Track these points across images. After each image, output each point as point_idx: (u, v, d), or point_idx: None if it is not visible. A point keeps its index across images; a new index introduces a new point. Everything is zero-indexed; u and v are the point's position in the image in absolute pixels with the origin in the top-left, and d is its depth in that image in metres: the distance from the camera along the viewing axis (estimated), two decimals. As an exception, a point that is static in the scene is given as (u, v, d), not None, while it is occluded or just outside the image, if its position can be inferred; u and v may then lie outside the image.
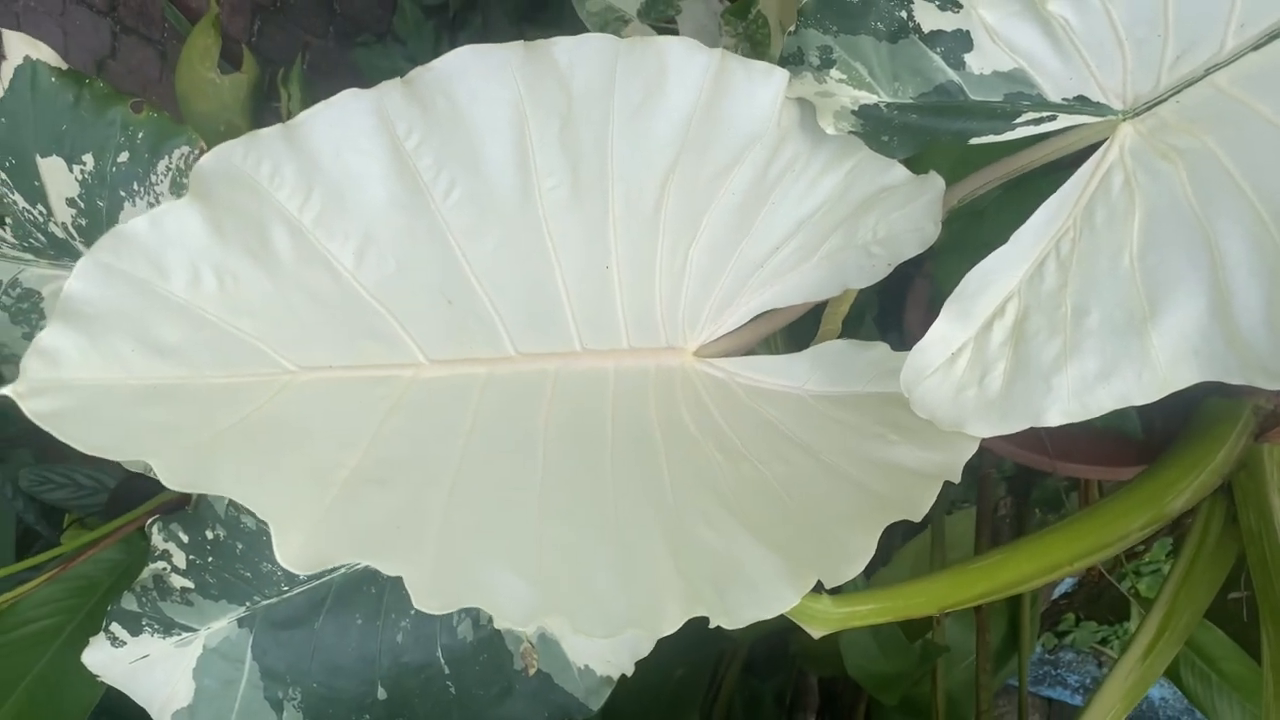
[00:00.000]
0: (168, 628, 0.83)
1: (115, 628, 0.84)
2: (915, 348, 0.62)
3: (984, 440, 0.65)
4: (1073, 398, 0.59)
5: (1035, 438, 0.99)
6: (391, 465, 0.55)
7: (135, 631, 0.84)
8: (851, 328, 1.06)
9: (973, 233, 1.03)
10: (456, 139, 0.57)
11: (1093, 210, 0.61)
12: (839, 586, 0.61)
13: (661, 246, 0.64)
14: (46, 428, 0.47)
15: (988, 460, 1.34)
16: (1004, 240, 0.64)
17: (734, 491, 0.63)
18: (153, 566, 0.85)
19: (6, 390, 0.47)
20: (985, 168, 0.75)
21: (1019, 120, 0.62)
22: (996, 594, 0.81)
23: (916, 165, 0.71)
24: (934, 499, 0.65)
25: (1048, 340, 0.60)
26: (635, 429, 0.63)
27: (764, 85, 0.61)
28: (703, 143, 0.62)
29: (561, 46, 0.57)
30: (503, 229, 0.60)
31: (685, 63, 0.59)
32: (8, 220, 0.81)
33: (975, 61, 0.61)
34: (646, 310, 0.66)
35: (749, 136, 0.63)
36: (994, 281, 0.62)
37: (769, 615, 0.57)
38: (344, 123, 0.55)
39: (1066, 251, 0.61)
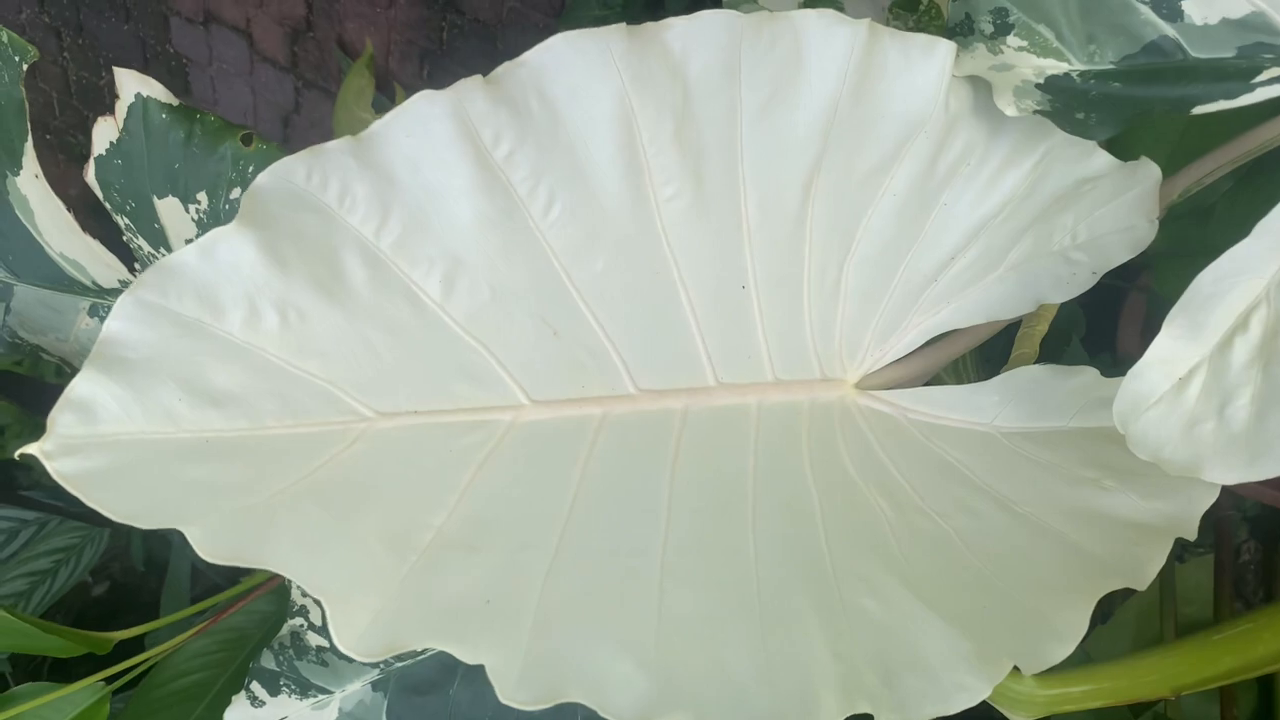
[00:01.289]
0: (304, 688, 0.79)
1: (255, 686, 0.80)
2: (1131, 372, 0.50)
3: (1226, 484, 0.51)
4: (1350, 432, 0.46)
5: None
6: (483, 526, 0.48)
7: (274, 691, 0.80)
8: (1053, 351, 0.92)
9: (1198, 234, 0.87)
10: (554, 145, 0.50)
11: (1367, 190, 0.48)
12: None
13: (809, 261, 0.55)
14: (73, 490, 0.42)
15: (1226, 500, 1.15)
16: (1232, 244, 0.51)
17: (906, 552, 0.52)
18: (291, 623, 0.81)
19: (31, 449, 0.42)
20: (1213, 151, 0.61)
21: (1258, 80, 0.49)
22: (1247, 672, 0.66)
23: (1123, 151, 0.58)
24: (1162, 560, 0.52)
25: (1311, 358, 0.47)
26: (783, 476, 0.53)
27: (924, 61, 0.51)
28: (853, 136, 0.52)
29: (674, 30, 0.48)
30: (615, 247, 0.52)
31: (825, 40, 0.49)
32: (137, 266, 0.79)
33: (1196, 9, 0.48)
34: (794, 336, 0.56)
35: (909, 125, 0.52)
36: (1233, 286, 0.49)
37: (952, 710, 0.46)
38: (421, 131, 0.49)
39: (1332, 244, 0.48)
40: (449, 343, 0.51)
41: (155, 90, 0.66)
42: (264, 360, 0.48)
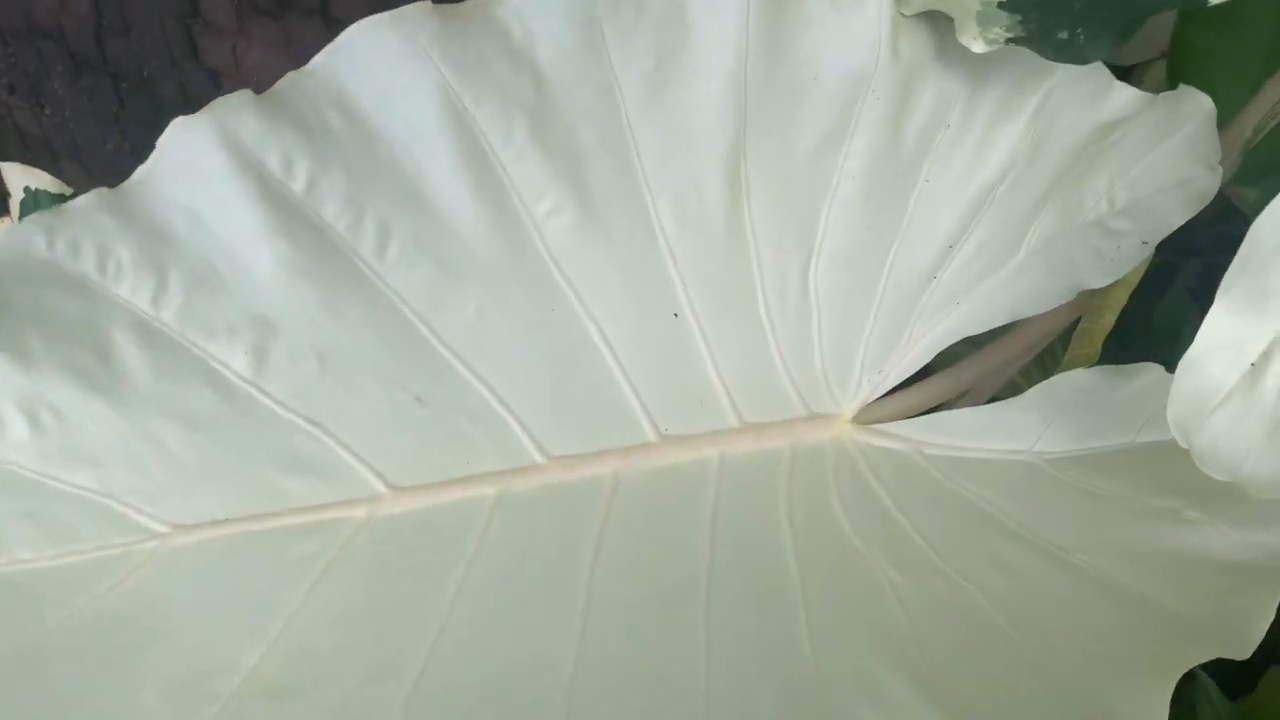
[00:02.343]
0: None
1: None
2: (1183, 364, 0.37)
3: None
4: None
5: None
6: (314, 661, 0.38)
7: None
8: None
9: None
10: (373, 166, 0.41)
11: None
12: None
13: (760, 271, 0.44)
14: None
15: None
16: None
17: (919, 634, 0.40)
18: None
19: None
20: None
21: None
22: None
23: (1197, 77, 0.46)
24: (1271, 614, 0.38)
25: None
26: (752, 548, 0.42)
27: (855, 3, 0.40)
28: (779, 107, 0.41)
29: (507, 4, 0.39)
30: (489, 284, 0.42)
31: (708, -11, 0.39)
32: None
33: None
34: (759, 367, 0.45)
35: (852, 84, 0.41)
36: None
37: None
38: (189, 170, 0.40)
39: None
40: (271, 428, 0.42)
41: (42, 181, 0.61)
42: (11, 476, 0.40)
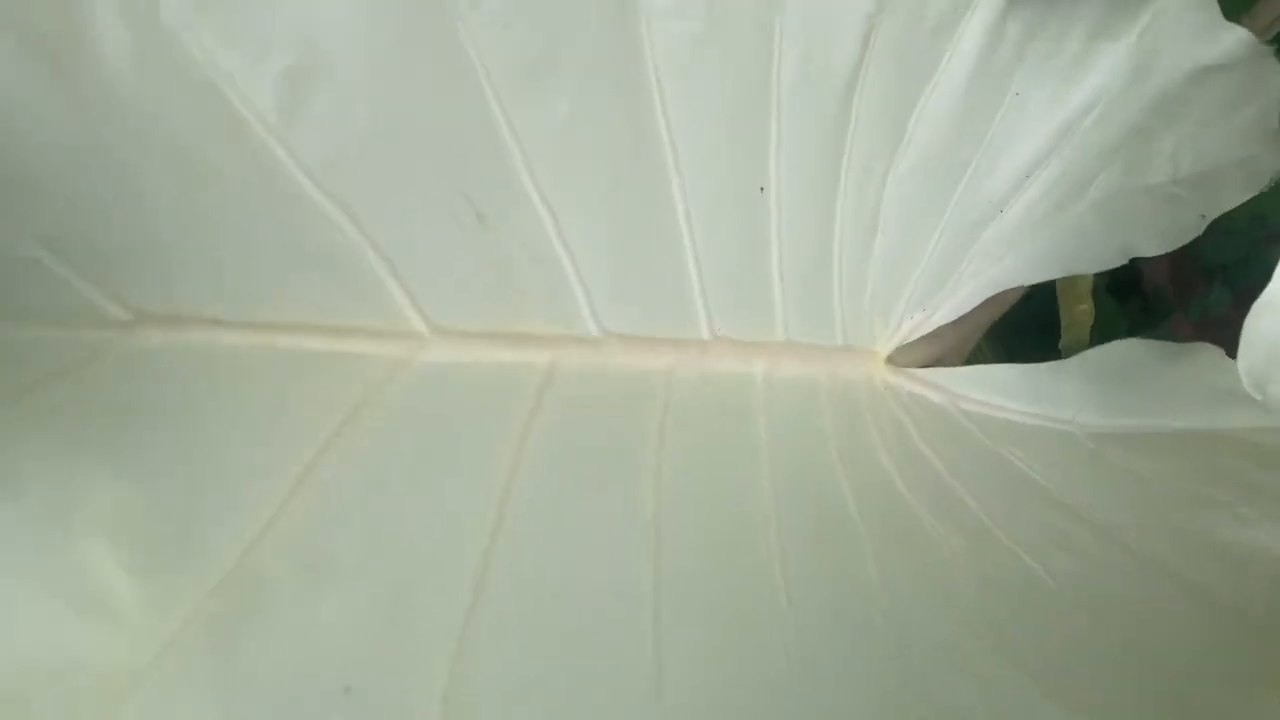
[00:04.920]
0: None
1: None
2: (1260, 303, 0.33)
3: None
4: None
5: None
6: (330, 546, 0.26)
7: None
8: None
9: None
10: None
11: None
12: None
13: (850, 158, 0.36)
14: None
15: None
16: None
17: (990, 608, 0.34)
18: None
19: None
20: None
21: None
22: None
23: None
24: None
25: None
26: (811, 482, 0.34)
27: None
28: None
29: None
30: (586, 84, 0.31)
31: None
32: None
33: None
34: (819, 277, 0.38)
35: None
36: None
37: None
38: None
39: None
40: (287, 206, 0.29)
41: None
42: None
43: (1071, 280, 0.49)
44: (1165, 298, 0.75)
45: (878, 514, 0.35)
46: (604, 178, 0.33)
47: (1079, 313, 0.49)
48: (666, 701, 0.27)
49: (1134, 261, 0.43)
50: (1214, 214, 0.42)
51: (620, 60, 0.32)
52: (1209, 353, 0.41)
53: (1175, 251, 0.64)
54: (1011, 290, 0.46)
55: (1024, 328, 0.51)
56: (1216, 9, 0.40)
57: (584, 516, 0.30)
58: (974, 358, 0.58)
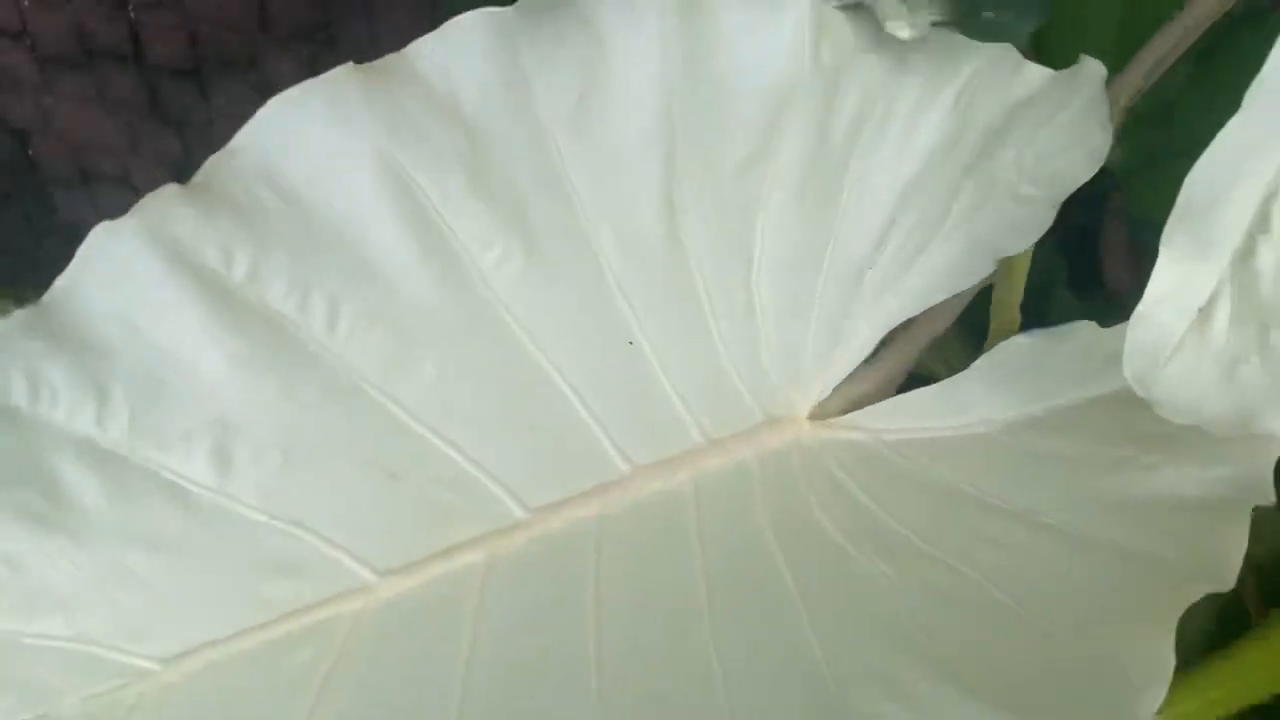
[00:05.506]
0: None
1: None
2: (1135, 317, 0.38)
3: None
4: None
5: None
6: None
7: None
8: (1039, 308, 0.80)
9: (1163, 138, 0.76)
10: (314, 242, 0.39)
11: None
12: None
13: (705, 288, 0.43)
14: None
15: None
16: (1209, 137, 0.40)
17: (923, 621, 0.40)
18: None
19: None
20: (1160, 33, 0.51)
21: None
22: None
23: (1054, 56, 0.48)
24: (1244, 543, 0.40)
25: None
26: (745, 564, 0.41)
27: (773, 14, 0.40)
28: (705, 127, 0.41)
29: (425, 57, 0.38)
30: (444, 345, 0.41)
31: (624, 15, 0.39)
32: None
33: None
34: (714, 380, 0.45)
35: (775, 93, 0.42)
36: (1236, 176, 0.38)
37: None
38: (121, 277, 0.37)
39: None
40: (245, 535, 0.39)
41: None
42: None
43: (1002, 292, 0.54)
44: (1126, 286, 0.78)
45: (810, 567, 0.41)
46: (485, 396, 0.41)
47: (1005, 324, 0.54)
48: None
49: (1092, 254, 0.48)
50: (1061, 198, 0.48)
51: (467, 312, 0.40)
52: (1086, 328, 0.46)
53: (1134, 239, 0.70)
54: (941, 317, 0.52)
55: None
56: (1016, 54, 0.45)
57: (533, 675, 0.38)
58: (949, 365, 0.64)
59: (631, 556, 0.41)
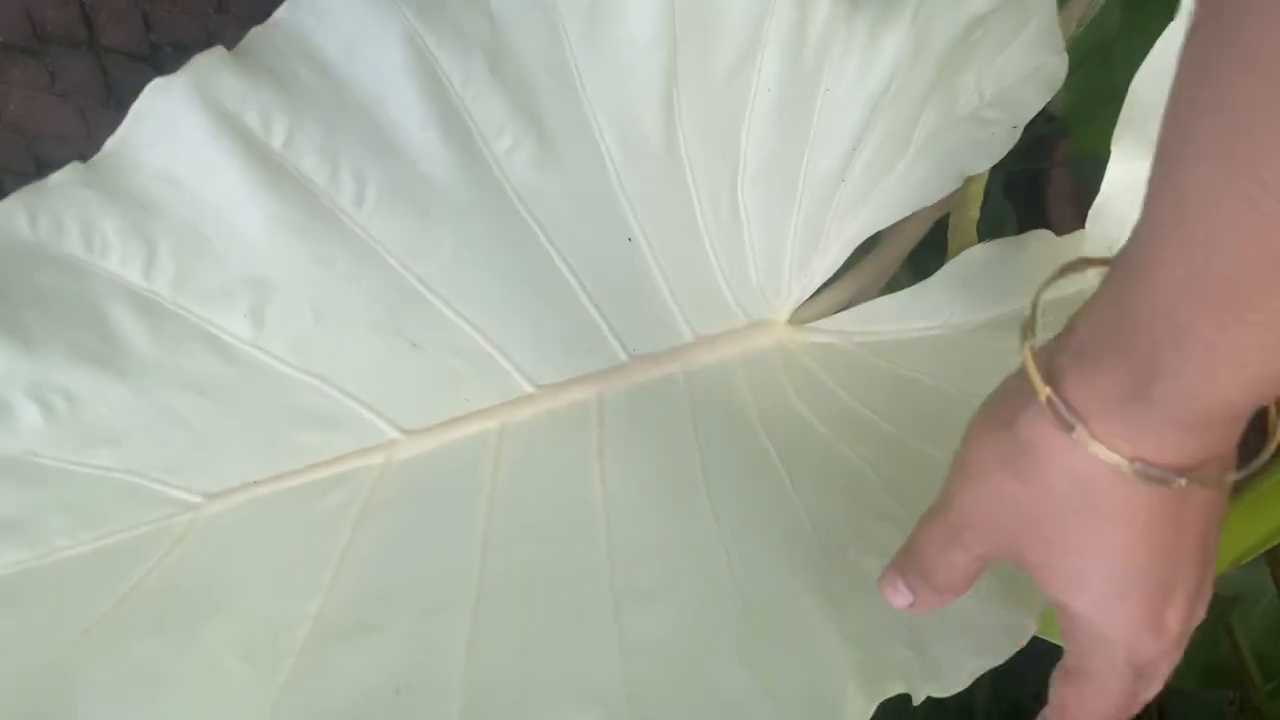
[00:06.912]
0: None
1: None
2: (1094, 210, 0.42)
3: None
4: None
5: None
6: (378, 597, 0.39)
7: None
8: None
9: (1104, 79, 0.81)
10: (344, 116, 0.41)
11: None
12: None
13: (697, 192, 0.46)
14: None
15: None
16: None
17: (901, 494, 0.44)
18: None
19: None
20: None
21: None
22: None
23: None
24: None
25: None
26: (735, 445, 0.45)
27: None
28: (701, 31, 0.44)
29: None
30: (460, 224, 0.43)
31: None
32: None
33: None
34: (704, 283, 0.48)
35: (758, 3, 0.44)
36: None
37: (999, 660, 0.38)
38: (168, 135, 0.40)
39: None
40: (278, 387, 0.41)
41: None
42: (32, 466, 0.38)
43: (958, 217, 0.58)
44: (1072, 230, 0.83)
45: (799, 453, 0.45)
46: (500, 279, 0.44)
47: (962, 245, 0.58)
48: (627, 646, 0.38)
49: (1039, 201, 0.51)
50: (1023, 121, 0.51)
51: (482, 195, 0.43)
52: (1041, 237, 0.50)
53: (1078, 189, 0.74)
54: (913, 228, 0.56)
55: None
56: None
57: (549, 528, 0.41)
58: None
59: (633, 428, 0.44)
